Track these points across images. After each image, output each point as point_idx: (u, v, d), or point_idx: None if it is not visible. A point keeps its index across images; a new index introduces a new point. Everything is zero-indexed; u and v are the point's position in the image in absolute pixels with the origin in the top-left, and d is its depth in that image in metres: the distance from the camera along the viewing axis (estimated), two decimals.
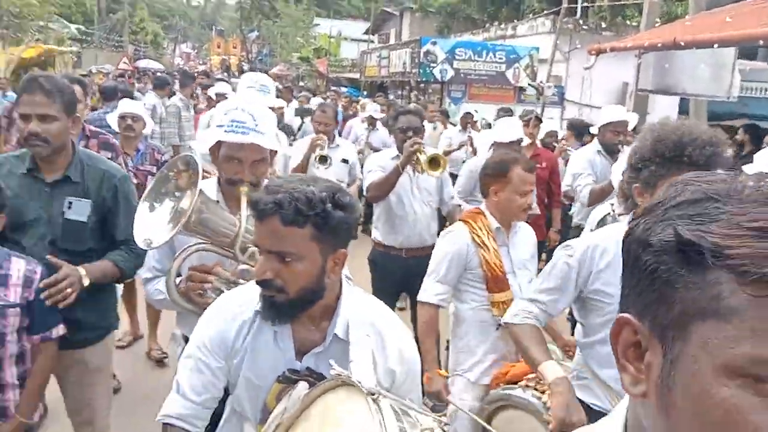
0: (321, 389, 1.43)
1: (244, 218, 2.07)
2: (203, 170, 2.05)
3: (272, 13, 48.35)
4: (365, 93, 20.35)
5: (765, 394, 0.58)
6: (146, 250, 2.26)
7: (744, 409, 0.58)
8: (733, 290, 0.60)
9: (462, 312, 2.95)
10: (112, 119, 4.97)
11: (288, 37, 41.13)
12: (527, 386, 2.47)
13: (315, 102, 10.56)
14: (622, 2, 16.63)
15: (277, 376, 1.62)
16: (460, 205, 4.41)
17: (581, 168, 4.75)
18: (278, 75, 31.52)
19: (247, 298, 1.68)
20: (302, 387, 1.48)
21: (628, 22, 16.63)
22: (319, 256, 1.56)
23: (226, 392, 1.76)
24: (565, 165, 5.78)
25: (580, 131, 7.00)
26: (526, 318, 2.22)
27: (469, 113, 8.70)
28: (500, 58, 15.53)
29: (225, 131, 2.16)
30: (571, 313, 3.18)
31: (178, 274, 2.16)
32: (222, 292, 1.98)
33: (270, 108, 3.80)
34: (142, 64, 33.07)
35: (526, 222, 3.09)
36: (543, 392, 2.35)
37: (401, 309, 5.12)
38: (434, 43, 15.59)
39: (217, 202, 2.21)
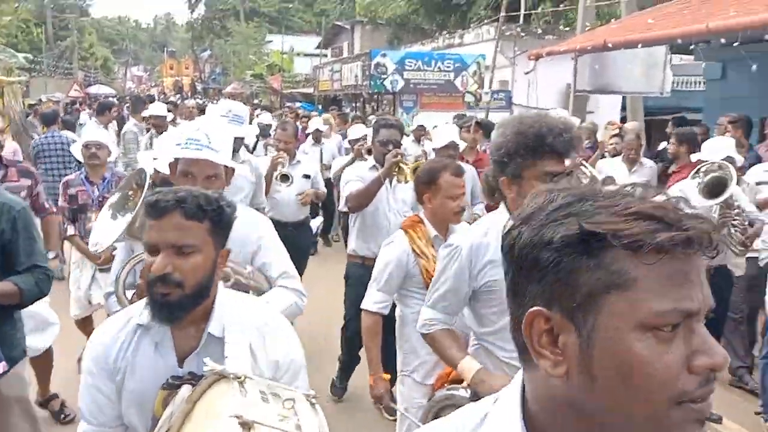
0: (201, 388, 1.49)
1: None
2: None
3: (223, 32, 48.22)
4: (320, 107, 20.57)
5: (666, 340, 0.73)
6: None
7: (654, 355, 0.73)
8: (630, 263, 0.73)
9: (406, 315, 3.07)
10: (76, 149, 4.93)
11: (240, 55, 41.05)
12: (470, 385, 2.57)
13: (265, 118, 10.64)
14: (561, 8, 17.21)
15: (161, 384, 1.67)
16: None
17: None
18: (232, 94, 31.51)
19: (127, 317, 1.76)
20: (185, 390, 1.54)
21: (568, 28, 17.22)
22: (213, 251, 1.68)
23: None
24: None
25: (489, 130, 7.04)
26: (433, 326, 2.32)
27: (422, 126, 8.73)
28: (448, 67, 15.96)
29: (181, 148, 2.33)
30: None
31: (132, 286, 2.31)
32: None
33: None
34: (93, 90, 32.77)
35: (469, 224, 3.18)
36: None
37: None
38: (384, 55, 15.94)
39: None
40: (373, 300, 3.03)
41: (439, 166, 2.98)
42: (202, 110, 12.47)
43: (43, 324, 3.79)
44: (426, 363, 2.96)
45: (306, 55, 36.21)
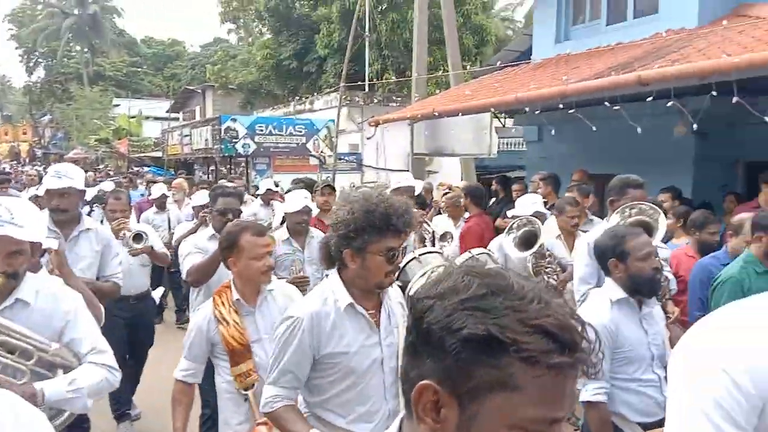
0: None
1: None
2: None
3: (65, 95, 45.94)
4: (172, 171, 20.14)
5: None
6: None
7: None
8: (522, 372, 0.83)
9: (219, 385, 3.03)
10: None
11: (84, 119, 39.22)
12: None
13: (107, 186, 10.19)
14: (402, 79, 18.48)
15: None
16: None
17: None
18: (74, 159, 29.86)
19: None
20: None
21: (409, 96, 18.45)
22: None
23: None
24: None
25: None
26: (276, 403, 2.30)
27: (270, 189, 8.64)
28: (300, 131, 16.43)
29: None
30: None
31: None
32: None
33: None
34: None
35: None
36: None
37: None
38: (234, 120, 16.10)
39: None
40: (180, 368, 2.99)
41: (238, 229, 2.99)
42: (41, 178, 11.73)
43: None
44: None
45: (156, 118, 35.42)
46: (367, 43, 18.69)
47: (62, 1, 54.02)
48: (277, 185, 9.07)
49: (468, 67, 19.34)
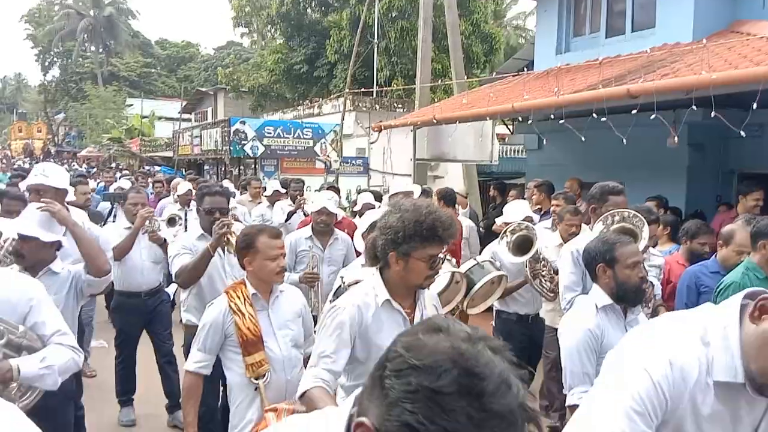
0: None
1: None
2: None
3: (79, 94, 46.54)
4: (183, 171, 20.47)
5: None
6: None
7: None
8: None
9: (231, 380, 3.14)
10: None
11: (98, 119, 39.74)
12: None
13: (124, 184, 10.45)
14: (405, 87, 18.78)
15: None
16: None
17: None
18: (88, 157, 30.29)
19: None
20: None
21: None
22: None
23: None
24: None
25: None
26: (316, 382, 2.39)
27: (277, 190, 8.64)
28: (307, 134, 16.73)
29: None
30: None
31: None
32: None
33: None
34: None
35: None
36: None
37: None
38: (243, 123, 16.42)
39: None
40: (193, 360, 3.11)
41: (255, 231, 3.17)
42: None
43: None
44: (251, 422, 3.01)
45: (168, 119, 35.82)
46: (375, 50, 18.98)
47: (78, 2, 54.76)
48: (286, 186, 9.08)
49: (478, 74, 19.58)
